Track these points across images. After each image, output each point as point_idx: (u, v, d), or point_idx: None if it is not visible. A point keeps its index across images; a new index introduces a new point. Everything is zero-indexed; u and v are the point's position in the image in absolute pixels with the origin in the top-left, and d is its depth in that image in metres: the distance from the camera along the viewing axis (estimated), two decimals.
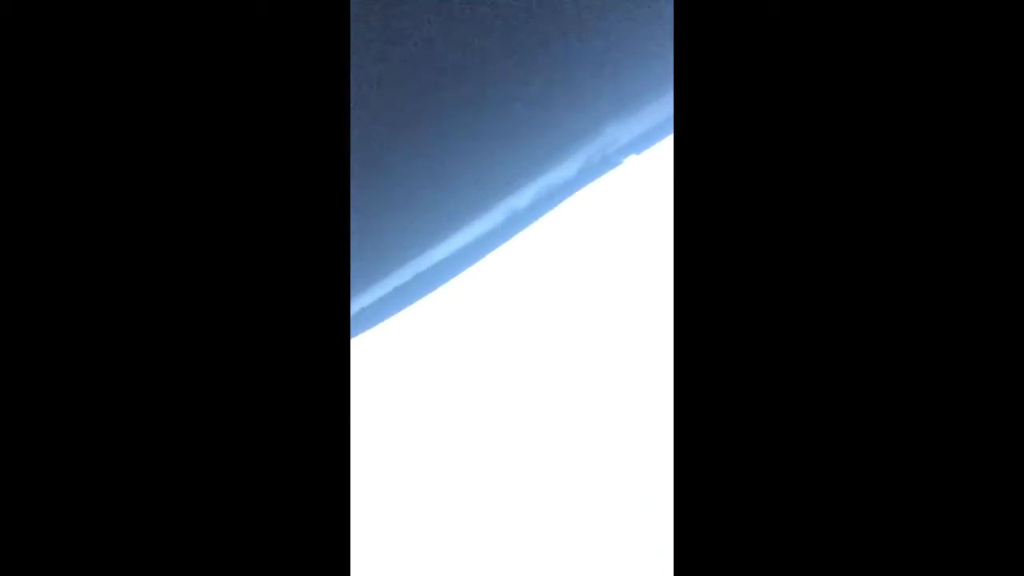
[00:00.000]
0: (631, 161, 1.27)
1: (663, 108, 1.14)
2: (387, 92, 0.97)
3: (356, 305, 1.22)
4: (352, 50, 0.91)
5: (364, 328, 1.28)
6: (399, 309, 1.35)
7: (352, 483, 0.65)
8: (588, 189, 1.29)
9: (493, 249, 1.29)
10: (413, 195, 1.05)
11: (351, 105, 0.96)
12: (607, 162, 1.22)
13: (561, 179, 1.18)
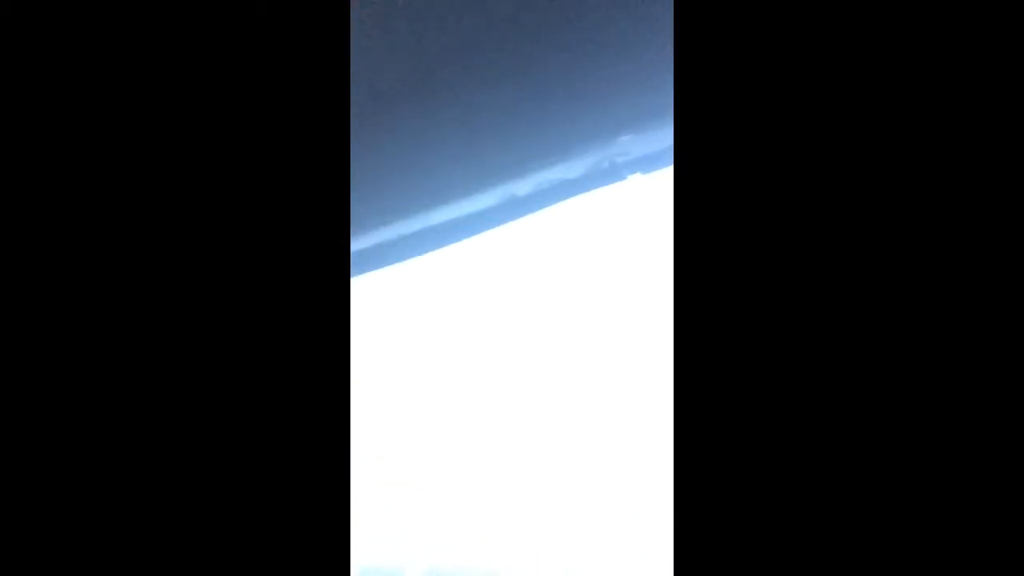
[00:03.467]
0: (636, 179, 1.32)
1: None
2: (411, 57, 1.02)
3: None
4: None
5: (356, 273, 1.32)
6: (385, 265, 1.39)
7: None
8: (590, 196, 1.33)
9: (487, 228, 1.33)
10: (415, 159, 1.09)
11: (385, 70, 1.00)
12: (613, 172, 1.26)
13: (565, 177, 1.22)
